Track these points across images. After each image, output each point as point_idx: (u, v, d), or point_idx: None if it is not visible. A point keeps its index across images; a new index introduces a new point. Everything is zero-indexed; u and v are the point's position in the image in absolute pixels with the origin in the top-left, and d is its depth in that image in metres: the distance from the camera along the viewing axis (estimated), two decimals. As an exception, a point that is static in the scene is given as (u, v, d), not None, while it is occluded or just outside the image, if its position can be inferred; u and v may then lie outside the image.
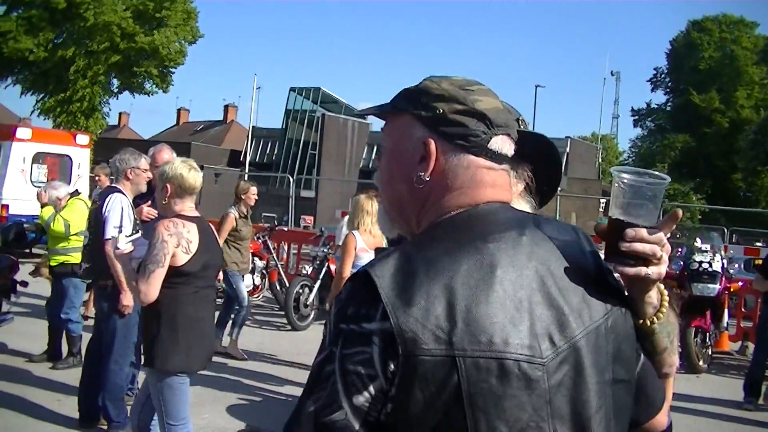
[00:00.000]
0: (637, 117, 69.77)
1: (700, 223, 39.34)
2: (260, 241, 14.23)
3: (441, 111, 1.77)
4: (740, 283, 13.11)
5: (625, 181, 1.74)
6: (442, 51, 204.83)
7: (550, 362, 1.55)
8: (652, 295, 1.80)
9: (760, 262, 10.94)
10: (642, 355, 1.82)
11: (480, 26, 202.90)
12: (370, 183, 43.30)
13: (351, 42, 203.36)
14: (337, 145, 58.77)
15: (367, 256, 8.19)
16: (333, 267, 12.85)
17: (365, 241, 8.10)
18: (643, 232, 1.72)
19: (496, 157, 1.78)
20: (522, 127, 1.89)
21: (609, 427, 1.64)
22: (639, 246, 1.71)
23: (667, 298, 1.84)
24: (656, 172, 1.75)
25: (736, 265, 14.71)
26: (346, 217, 9.45)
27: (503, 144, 1.79)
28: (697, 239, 12.54)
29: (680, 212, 1.80)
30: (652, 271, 1.72)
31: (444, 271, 1.58)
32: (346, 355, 1.54)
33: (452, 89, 1.80)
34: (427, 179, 1.75)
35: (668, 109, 65.73)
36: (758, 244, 28.99)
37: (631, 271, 1.72)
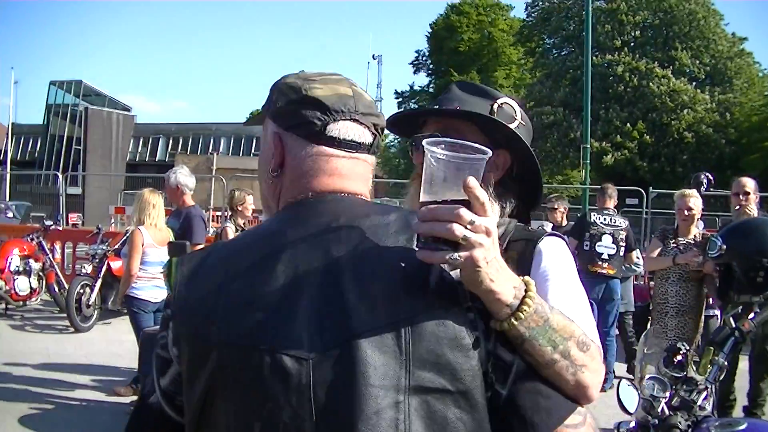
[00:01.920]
0: (400, 99, 71.17)
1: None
2: (34, 242, 13.65)
3: (278, 104, 1.76)
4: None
5: (440, 157, 1.49)
6: (209, 38, 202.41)
7: (316, 358, 1.46)
8: (499, 290, 1.52)
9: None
10: (517, 367, 1.58)
11: (245, 11, 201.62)
12: (137, 176, 42.53)
13: (112, 32, 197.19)
14: (102, 139, 57.14)
15: (155, 252, 8.05)
16: (114, 264, 12.53)
17: (152, 235, 7.97)
18: (438, 209, 1.47)
19: (342, 144, 1.73)
20: (495, 114, 2.22)
21: None
22: (426, 226, 1.48)
23: (533, 294, 1.57)
24: (474, 144, 1.53)
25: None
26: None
27: (349, 130, 1.74)
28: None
29: (470, 180, 1.45)
30: (460, 256, 1.47)
31: (228, 263, 1.62)
32: (158, 338, 1.67)
33: (293, 81, 1.78)
34: (275, 173, 1.75)
35: (431, 90, 67.49)
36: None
37: (430, 257, 1.48)
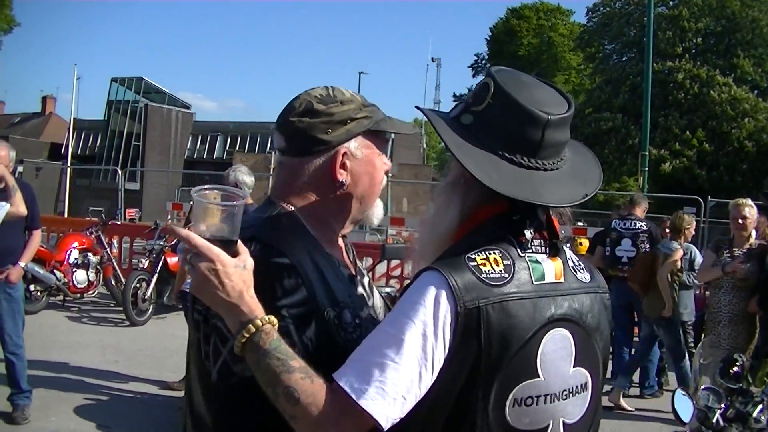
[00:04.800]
0: (459, 102, 71.23)
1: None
2: (93, 236, 13.83)
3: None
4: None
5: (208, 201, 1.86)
6: (266, 39, 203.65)
7: None
8: (223, 315, 1.85)
9: (585, 241, 11.42)
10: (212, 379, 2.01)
11: (304, 14, 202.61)
12: (195, 173, 42.86)
13: (173, 31, 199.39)
14: (161, 136, 57.75)
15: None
16: (170, 260, 12.67)
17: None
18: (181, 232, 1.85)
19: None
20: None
21: None
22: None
23: (257, 336, 1.78)
24: (232, 189, 1.89)
25: (568, 245, 15.23)
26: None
27: (277, 139, 2.25)
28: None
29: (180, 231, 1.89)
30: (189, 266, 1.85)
31: None
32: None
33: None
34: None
35: (489, 93, 67.36)
36: (580, 224, 30.13)
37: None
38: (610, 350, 2.40)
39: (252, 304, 1.81)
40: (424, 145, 66.86)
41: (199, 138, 62.41)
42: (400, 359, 1.77)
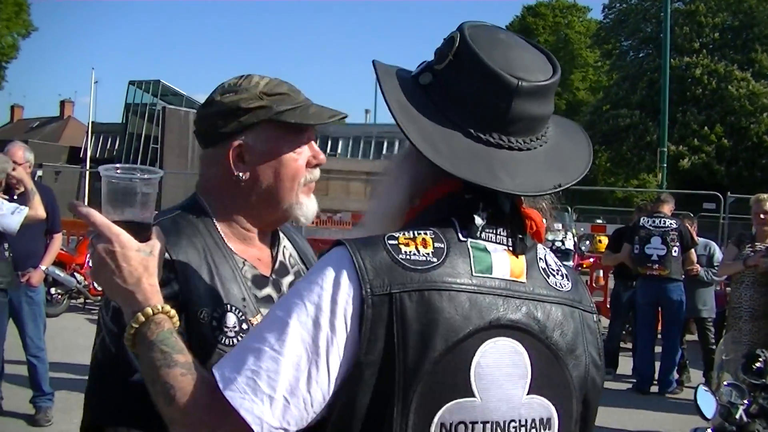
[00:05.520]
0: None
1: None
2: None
3: None
4: (591, 260, 13.61)
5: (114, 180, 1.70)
6: (283, 40, 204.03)
7: None
8: (114, 299, 1.68)
9: (605, 238, 11.44)
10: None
11: (321, 11, 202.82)
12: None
13: (190, 32, 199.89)
14: (179, 138, 57.84)
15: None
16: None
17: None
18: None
19: None
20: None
21: None
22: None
23: (146, 327, 1.58)
24: (145, 167, 1.72)
25: (588, 242, 15.24)
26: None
27: None
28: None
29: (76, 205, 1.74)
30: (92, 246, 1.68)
31: None
32: None
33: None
34: None
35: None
36: (599, 221, 30.09)
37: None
38: (601, 387, 1.82)
39: (149, 292, 1.61)
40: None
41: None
42: (281, 347, 1.43)
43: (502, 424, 1.51)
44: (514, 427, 1.53)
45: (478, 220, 1.57)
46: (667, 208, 10.13)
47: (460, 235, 1.56)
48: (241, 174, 2.07)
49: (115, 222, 1.64)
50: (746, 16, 47.23)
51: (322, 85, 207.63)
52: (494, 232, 1.59)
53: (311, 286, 1.47)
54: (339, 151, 53.39)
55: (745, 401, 3.87)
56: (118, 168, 1.69)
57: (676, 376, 10.13)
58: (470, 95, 1.60)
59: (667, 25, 20.40)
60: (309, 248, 2.43)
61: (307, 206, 2.16)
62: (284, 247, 2.30)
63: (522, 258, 1.61)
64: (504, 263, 1.57)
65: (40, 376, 7.36)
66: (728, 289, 9.93)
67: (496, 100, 1.58)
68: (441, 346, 1.45)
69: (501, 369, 1.51)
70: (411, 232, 1.54)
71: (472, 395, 1.48)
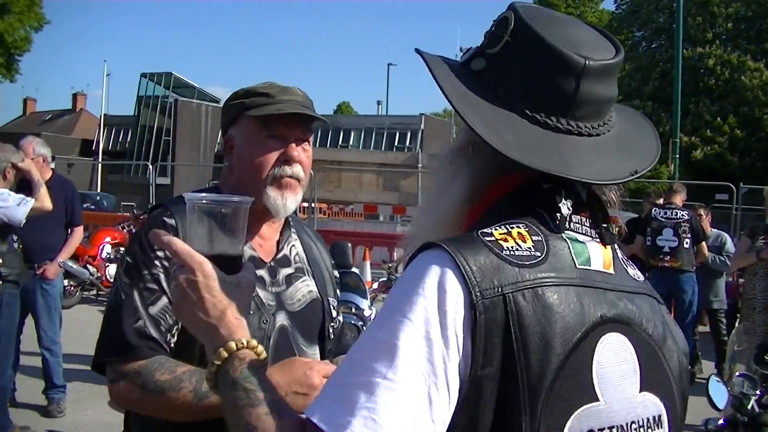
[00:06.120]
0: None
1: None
2: (125, 230, 13.93)
3: None
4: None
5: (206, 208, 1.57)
6: (295, 33, 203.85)
7: None
8: (196, 335, 1.52)
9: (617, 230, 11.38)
10: None
11: (335, 5, 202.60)
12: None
13: (201, 24, 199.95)
14: (191, 131, 57.94)
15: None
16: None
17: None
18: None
19: None
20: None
21: None
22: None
23: (230, 366, 1.39)
24: (236, 198, 1.60)
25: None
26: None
27: None
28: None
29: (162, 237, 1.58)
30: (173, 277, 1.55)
31: None
32: None
33: None
34: None
35: (518, 83, 67.09)
36: (610, 211, 29.94)
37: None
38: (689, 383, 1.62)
39: (234, 325, 1.45)
40: (454, 135, 66.71)
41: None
42: (395, 374, 1.21)
43: (625, 427, 1.38)
44: (634, 429, 1.40)
45: (565, 210, 1.43)
46: (679, 199, 10.09)
47: (552, 226, 1.42)
48: (228, 163, 2.40)
49: (201, 254, 1.51)
50: (760, 6, 46.99)
51: (334, 77, 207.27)
52: (579, 222, 1.46)
53: (411, 298, 1.27)
54: (351, 142, 53.35)
55: (757, 392, 3.87)
56: (203, 199, 1.57)
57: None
58: (532, 79, 1.46)
59: (680, 15, 20.35)
60: (324, 251, 2.61)
61: (275, 200, 2.27)
62: (293, 245, 2.47)
63: (609, 249, 1.48)
64: (597, 254, 1.44)
65: (52, 370, 7.40)
66: (740, 280, 9.92)
67: (562, 82, 1.44)
68: (562, 348, 1.31)
69: (616, 367, 1.38)
70: (503, 227, 1.38)
71: (597, 399, 1.34)
